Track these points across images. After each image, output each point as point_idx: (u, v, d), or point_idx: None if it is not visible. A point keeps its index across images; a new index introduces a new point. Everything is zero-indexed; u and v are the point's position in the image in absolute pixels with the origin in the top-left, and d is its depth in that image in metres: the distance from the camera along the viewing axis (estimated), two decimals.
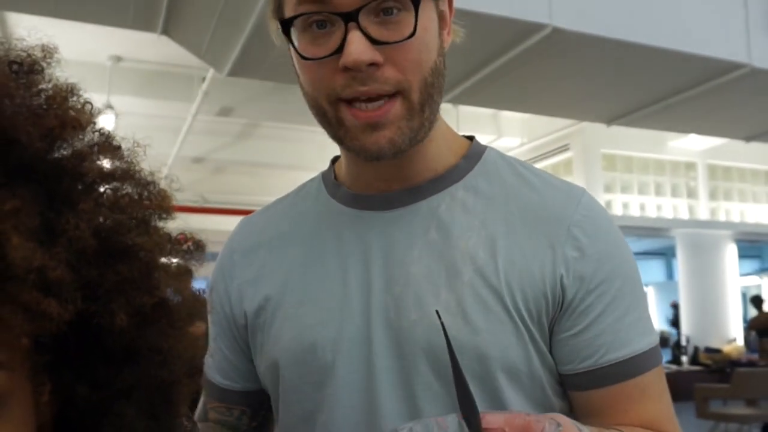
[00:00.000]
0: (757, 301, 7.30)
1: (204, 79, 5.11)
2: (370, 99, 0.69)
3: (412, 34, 0.67)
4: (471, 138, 0.85)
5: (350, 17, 0.66)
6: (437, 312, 0.61)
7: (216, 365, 0.89)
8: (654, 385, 0.76)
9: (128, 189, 0.45)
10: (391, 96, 0.69)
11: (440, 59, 0.73)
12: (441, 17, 0.75)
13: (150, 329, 0.42)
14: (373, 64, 0.67)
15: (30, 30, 0.46)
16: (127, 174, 0.45)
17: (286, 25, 0.70)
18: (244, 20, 3.19)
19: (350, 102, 0.69)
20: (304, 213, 0.86)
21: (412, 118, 0.71)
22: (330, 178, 0.86)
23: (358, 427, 0.75)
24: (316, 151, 5.97)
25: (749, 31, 3.83)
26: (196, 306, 0.48)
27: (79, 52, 5.19)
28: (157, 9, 3.48)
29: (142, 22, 3.63)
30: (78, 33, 4.68)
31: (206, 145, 6.99)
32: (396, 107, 0.69)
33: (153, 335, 0.42)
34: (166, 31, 3.73)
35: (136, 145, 0.47)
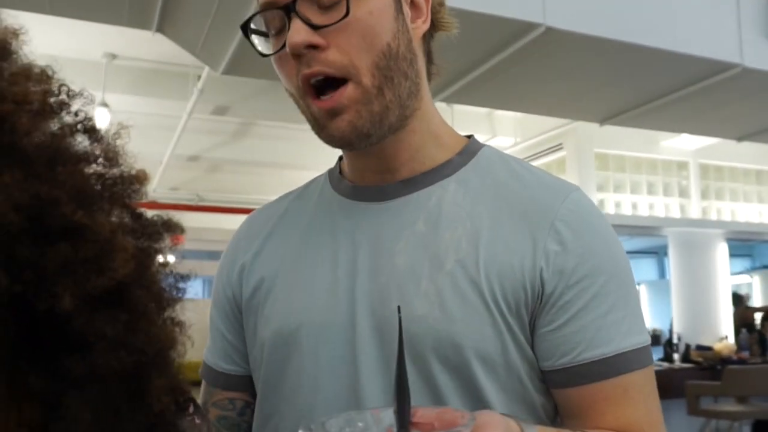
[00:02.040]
0: (735, 298, 7.42)
1: (199, 77, 5.10)
2: (324, 90, 0.73)
3: (345, 16, 0.70)
4: (470, 137, 0.87)
5: (289, 8, 0.71)
6: (398, 308, 0.62)
7: (218, 351, 0.91)
8: (638, 387, 0.74)
9: (92, 167, 0.43)
10: (340, 84, 0.73)
11: (398, 43, 0.75)
12: (414, 6, 0.79)
13: (102, 315, 0.39)
14: (314, 47, 0.71)
15: None
16: (91, 153, 0.43)
17: (246, 29, 0.77)
18: (239, 18, 3.19)
19: (316, 96, 0.74)
20: (306, 204, 0.89)
21: (370, 102, 0.73)
22: (335, 173, 0.89)
23: (339, 411, 0.74)
24: (312, 149, 5.98)
25: (741, 31, 3.86)
26: (167, 295, 0.45)
27: (73, 50, 5.18)
28: (152, 7, 3.48)
29: (136, 20, 3.63)
30: (72, 30, 4.67)
31: (201, 144, 6.98)
32: (348, 92, 0.73)
33: (105, 322, 0.39)
34: (161, 29, 3.73)
35: (121, 127, 0.46)
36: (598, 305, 0.73)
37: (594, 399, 0.73)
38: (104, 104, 5.27)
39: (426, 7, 0.80)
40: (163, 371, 0.43)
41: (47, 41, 4.90)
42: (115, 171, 0.44)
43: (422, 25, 0.79)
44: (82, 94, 0.45)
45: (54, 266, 0.37)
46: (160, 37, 3.82)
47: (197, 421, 0.51)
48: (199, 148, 7.01)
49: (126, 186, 0.44)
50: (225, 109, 6.10)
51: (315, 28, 0.71)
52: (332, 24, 0.71)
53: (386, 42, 0.73)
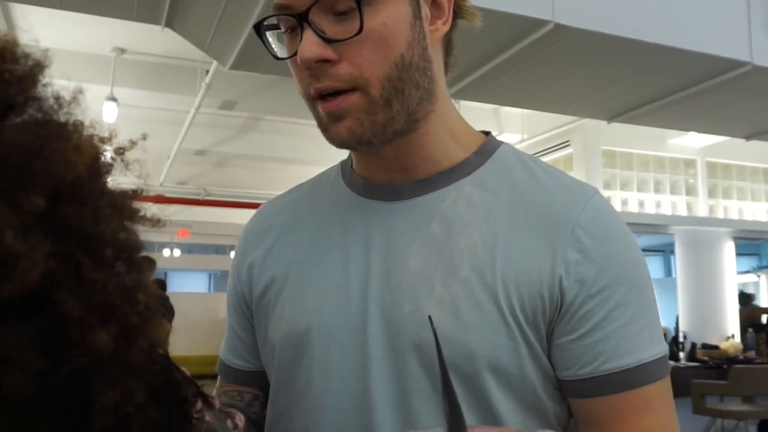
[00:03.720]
0: (742, 297, 7.40)
1: (207, 72, 5.12)
2: (330, 94, 0.71)
3: (358, 32, 0.68)
4: (488, 133, 0.85)
5: (302, 17, 0.69)
6: (429, 318, 0.59)
7: (229, 346, 0.91)
8: (659, 397, 0.73)
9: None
10: (348, 91, 0.71)
11: (412, 53, 0.72)
12: (435, 6, 0.76)
13: (4, 329, 0.34)
14: (325, 61, 0.70)
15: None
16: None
17: (258, 29, 0.75)
18: (247, 13, 3.21)
19: (323, 97, 0.72)
20: (318, 199, 0.87)
21: (374, 113, 0.72)
22: (347, 167, 0.87)
23: (348, 415, 0.75)
24: (319, 144, 5.97)
25: (751, 29, 3.84)
26: (116, 290, 0.38)
27: (82, 44, 5.21)
28: (161, 2, 3.49)
29: (146, 15, 3.64)
30: (82, 25, 4.70)
31: (209, 138, 7.00)
32: (352, 100, 0.71)
33: (6, 337, 0.34)
34: (169, 24, 3.74)
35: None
36: (619, 315, 0.72)
37: (617, 410, 0.72)
38: (113, 98, 5.29)
39: (448, 6, 0.77)
40: (110, 382, 0.37)
41: (57, 35, 4.93)
42: (52, 145, 0.38)
43: (442, 27, 0.76)
44: (21, 58, 0.39)
45: None
46: (168, 32, 3.83)
47: (207, 418, 0.48)
48: (206, 142, 7.04)
49: (67, 160, 0.38)
50: (232, 103, 6.11)
51: (327, 41, 0.69)
52: (345, 39, 0.69)
53: (400, 53, 0.71)
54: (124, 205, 0.41)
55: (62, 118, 0.40)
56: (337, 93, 0.71)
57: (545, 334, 0.73)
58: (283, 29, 0.74)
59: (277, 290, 0.82)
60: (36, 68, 0.40)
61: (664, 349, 0.74)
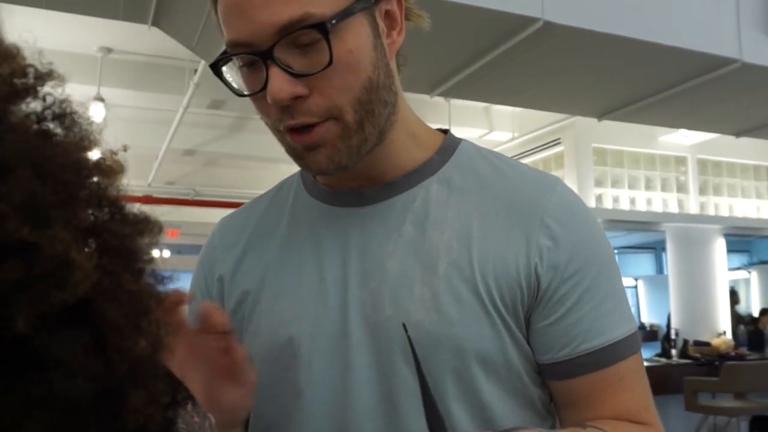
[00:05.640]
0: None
1: (195, 71, 5.08)
2: (303, 127, 0.70)
3: (329, 64, 0.66)
4: (446, 131, 0.86)
5: (266, 56, 0.67)
6: (404, 325, 0.60)
7: None
8: (631, 373, 0.76)
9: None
10: (322, 121, 0.70)
11: (378, 73, 0.72)
12: (389, 17, 0.74)
13: (61, 336, 0.35)
14: (298, 97, 0.68)
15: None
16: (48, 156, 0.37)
17: (216, 67, 0.72)
18: None
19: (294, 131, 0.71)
20: (282, 210, 0.87)
21: (349, 138, 0.71)
22: (309, 176, 0.86)
23: (336, 423, 0.75)
24: None
25: (740, 26, 3.85)
26: (147, 299, 0.41)
27: (68, 44, 5.16)
28: (148, 0, 3.46)
29: (132, 14, 3.61)
30: (68, 24, 4.65)
31: (197, 138, 6.97)
32: (328, 128, 0.70)
33: (63, 345, 0.35)
34: (156, 23, 3.70)
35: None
36: (591, 297, 0.75)
37: (594, 388, 0.75)
38: (100, 98, 5.24)
39: (400, 14, 0.75)
40: (141, 384, 0.39)
41: (43, 35, 4.87)
42: (88, 162, 0.39)
43: (397, 38, 0.75)
44: (51, 74, 0.40)
45: (6, 285, 0.33)
46: (155, 31, 3.79)
47: (196, 419, 0.49)
48: (195, 142, 7.00)
49: (103, 178, 0.40)
50: (221, 103, 6.08)
51: (296, 76, 0.67)
52: (315, 73, 0.67)
53: (367, 76, 0.70)
54: (149, 217, 0.44)
55: (83, 135, 0.42)
56: (311, 125, 0.70)
57: (524, 320, 0.75)
58: (240, 64, 0.71)
59: (251, 304, 0.81)
60: (58, 82, 0.41)
61: (634, 326, 0.78)
